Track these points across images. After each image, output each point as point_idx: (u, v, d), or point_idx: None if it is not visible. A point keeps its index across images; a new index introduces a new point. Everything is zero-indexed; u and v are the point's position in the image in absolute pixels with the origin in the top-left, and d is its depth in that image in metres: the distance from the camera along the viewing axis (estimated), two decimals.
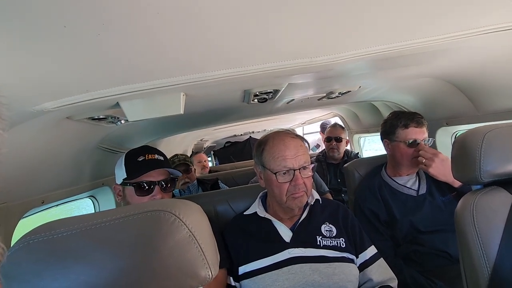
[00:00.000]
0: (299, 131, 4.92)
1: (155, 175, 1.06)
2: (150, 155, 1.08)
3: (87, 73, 0.64)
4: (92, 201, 1.74)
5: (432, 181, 1.44)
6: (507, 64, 1.12)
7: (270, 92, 1.08)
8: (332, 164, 2.67)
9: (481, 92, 1.37)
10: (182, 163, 2.20)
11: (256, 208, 1.14)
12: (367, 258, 1.06)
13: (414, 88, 1.65)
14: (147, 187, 1.04)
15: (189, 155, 2.80)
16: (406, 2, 0.59)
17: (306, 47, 0.70)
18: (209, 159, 5.38)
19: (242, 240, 1.08)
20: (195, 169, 2.39)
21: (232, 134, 4.82)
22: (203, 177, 2.65)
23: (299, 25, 0.60)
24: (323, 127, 3.21)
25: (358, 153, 2.95)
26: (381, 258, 1.08)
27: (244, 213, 1.18)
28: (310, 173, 1.03)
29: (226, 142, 5.26)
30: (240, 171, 2.88)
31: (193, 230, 0.41)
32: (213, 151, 5.42)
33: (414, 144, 1.41)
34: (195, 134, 3.56)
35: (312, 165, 1.04)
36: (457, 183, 1.35)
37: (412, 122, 1.42)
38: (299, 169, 1.00)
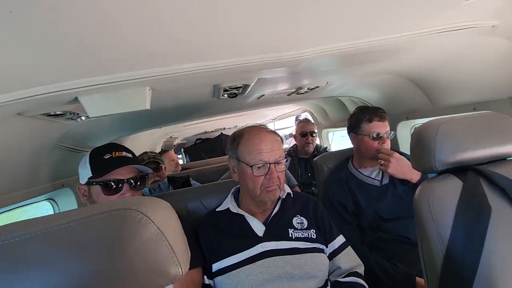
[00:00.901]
0: (270, 127, 4.98)
1: (123, 173, 1.01)
2: (117, 152, 1.02)
3: (40, 65, 0.59)
4: (51, 204, 1.61)
5: None
6: (457, 63, 1.21)
7: (240, 87, 1.08)
8: (303, 158, 2.73)
9: (436, 88, 1.48)
10: (152, 161, 2.13)
11: (229, 204, 1.14)
12: (336, 247, 1.10)
13: (377, 84, 1.74)
14: (115, 186, 0.99)
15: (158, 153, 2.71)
16: (367, 1, 0.61)
17: (275, 42, 0.70)
18: (180, 156, 5.25)
19: (214, 236, 1.08)
20: (165, 167, 2.33)
21: (202, 131, 4.74)
22: (173, 175, 2.58)
23: (267, 20, 0.60)
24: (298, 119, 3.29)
25: (326, 147, 3.05)
26: (349, 247, 1.14)
27: (217, 209, 1.17)
28: (284, 168, 1.06)
29: (197, 139, 5.16)
30: (212, 168, 2.85)
31: (161, 227, 0.40)
32: (183, 148, 5.29)
33: (378, 137, 1.49)
34: (164, 131, 3.45)
35: (286, 159, 1.06)
36: (414, 179, 1.43)
37: (376, 117, 1.49)
38: (274, 163, 1.01)
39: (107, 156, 1.00)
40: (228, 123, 3.99)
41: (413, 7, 0.69)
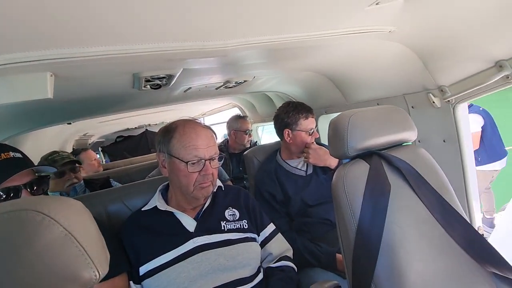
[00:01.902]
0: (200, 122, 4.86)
1: (17, 178, 0.83)
2: (3, 153, 0.83)
3: None
4: None
5: None
6: (363, 63, 1.39)
7: (164, 78, 1.01)
8: (234, 153, 2.75)
9: (348, 86, 1.67)
10: (69, 161, 1.84)
11: (156, 202, 1.07)
12: (267, 234, 1.15)
13: (301, 80, 1.86)
14: (12, 194, 0.81)
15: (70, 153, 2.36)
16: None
17: (198, 30, 0.68)
18: (97, 156, 4.69)
19: (141, 238, 1.00)
20: (82, 168, 2.05)
21: (124, 128, 4.32)
22: (90, 176, 2.29)
23: (190, 5, 0.57)
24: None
25: (256, 141, 3.14)
26: (279, 233, 1.20)
27: (142, 209, 1.09)
28: (218, 164, 1.04)
29: (118, 137, 4.66)
30: (137, 167, 2.63)
31: (70, 228, 0.36)
32: (101, 147, 4.72)
33: (311, 132, 1.63)
34: (76, 127, 3.02)
35: (221, 156, 1.04)
36: (333, 165, 1.62)
37: (310, 114, 1.64)
38: (209, 159, 0.99)
39: None
40: (154, 118, 3.73)
41: (326, 9, 0.76)
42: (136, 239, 1.00)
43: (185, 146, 0.97)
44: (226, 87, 1.64)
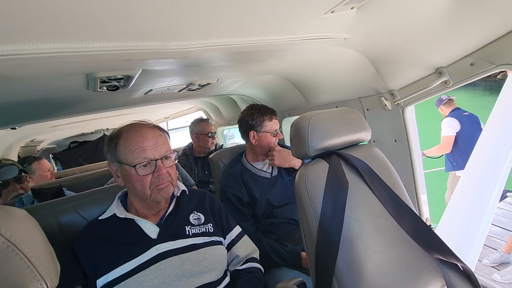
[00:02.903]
0: (163, 127, 4.68)
1: None
2: None
3: None
4: None
5: None
6: (322, 68, 1.46)
7: (121, 79, 0.96)
8: (199, 157, 2.71)
9: (309, 89, 1.74)
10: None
11: (115, 209, 1.01)
12: (233, 237, 1.15)
13: (264, 84, 1.90)
14: None
15: (16, 161, 2.14)
16: (250, 2, 0.66)
17: (158, 30, 0.66)
18: (51, 166, 4.30)
19: (98, 248, 0.94)
20: (28, 176, 1.86)
21: (79, 133, 4.02)
22: (39, 186, 2.09)
23: (148, 5, 0.56)
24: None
25: (222, 144, 3.13)
26: (245, 235, 1.20)
27: (99, 218, 1.02)
28: (173, 162, 1.01)
29: (72, 142, 4.31)
30: (93, 175, 2.45)
31: (13, 239, 0.33)
32: (52, 154, 4.32)
33: (275, 133, 1.67)
34: (21, 133, 2.74)
35: (174, 153, 1.01)
36: (297, 166, 1.67)
37: (274, 115, 1.68)
38: (161, 158, 0.95)
39: None
40: (113, 122, 3.52)
41: (285, 14, 0.79)
42: (92, 250, 0.93)
43: (131, 150, 0.93)
44: (189, 90, 1.62)
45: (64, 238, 1.04)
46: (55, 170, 4.09)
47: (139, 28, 0.63)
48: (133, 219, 1.00)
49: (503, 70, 0.98)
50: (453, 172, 3.42)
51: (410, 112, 1.35)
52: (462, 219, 2.10)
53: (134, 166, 0.91)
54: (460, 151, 3.25)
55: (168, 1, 0.55)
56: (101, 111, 2.02)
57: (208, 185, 2.63)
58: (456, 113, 3.32)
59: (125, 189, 1.08)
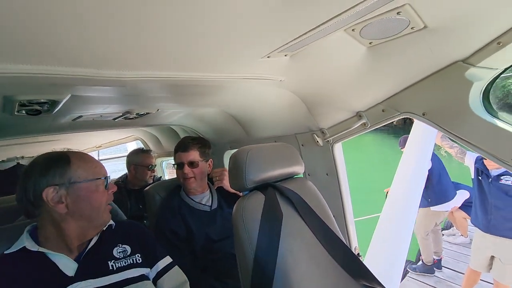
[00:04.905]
0: (94, 156, 4.24)
1: None
2: None
3: None
4: None
5: (221, 196, 1.70)
6: (261, 105, 1.56)
7: (45, 103, 0.88)
8: (133, 190, 2.50)
9: (249, 123, 1.82)
10: None
11: (24, 242, 0.87)
12: (160, 269, 1.07)
13: (206, 116, 1.92)
14: None
15: None
16: (191, 39, 0.69)
17: (92, 56, 0.64)
18: None
19: None
20: None
21: None
22: None
23: (82, 29, 0.54)
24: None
25: (161, 177, 2.96)
26: (175, 267, 1.12)
27: (5, 252, 0.87)
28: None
29: None
30: (1, 208, 2.04)
31: None
32: None
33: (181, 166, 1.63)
34: None
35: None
36: None
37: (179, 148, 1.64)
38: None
39: None
40: (30, 150, 3.06)
41: (226, 54, 0.85)
42: None
43: (90, 167, 0.95)
44: (126, 118, 1.54)
45: None
46: None
47: (68, 53, 0.59)
48: (46, 254, 0.87)
49: (406, 117, 1.18)
50: (433, 207, 3.46)
51: (339, 149, 1.50)
52: (385, 247, 2.33)
53: (97, 179, 0.93)
54: (434, 187, 3.37)
55: (103, 29, 0.55)
56: (16, 137, 1.76)
57: (142, 220, 2.41)
58: None
59: (34, 223, 0.94)
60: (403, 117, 1.19)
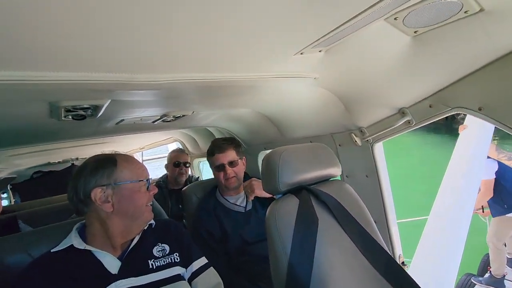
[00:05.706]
0: (138, 157, 4.51)
1: None
2: None
3: None
4: None
5: (256, 198, 1.68)
6: (296, 104, 1.51)
7: (88, 108, 0.93)
8: (173, 190, 2.60)
9: (284, 124, 1.78)
10: None
11: (72, 240, 0.93)
12: (194, 270, 1.08)
13: (241, 117, 1.92)
14: None
15: None
16: (222, 40, 0.68)
17: (127, 62, 0.66)
18: (4, 196, 3.92)
19: (47, 285, 0.85)
20: None
21: (44, 162, 3.76)
22: None
23: (116, 36, 0.56)
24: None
25: (198, 177, 3.05)
26: (210, 268, 1.13)
27: (52, 250, 0.93)
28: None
29: (35, 172, 4.00)
30: (55, 208, 2.26)
31: None
32: (11, 184, 3.96)
33: (222, 167, 1.63)
34: None
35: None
36: None
37: (218, 150, 1.65)
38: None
39: None
40: (82, 152, 3.35)
41: (258, 53, 0.82)
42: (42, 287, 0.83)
43: (134, 168, 0.99)
44: (163, 121, 1.60)
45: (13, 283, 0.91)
46: (12, 203, 3.74)
47: (105, 59, 0.62)
48: (92, 252, 0.92)
49: (458, 112, 1.06)
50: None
51: (379, 149, 1.40)
52: (433, 256, 2.12)
53: (139, 181, 0.98)
54: (508, 192, 3.06)
55: (135, 34, 0.56)
56: (68, 140, 1.93)
57: (182, 219, 2.50)
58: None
59: (83, 221, 1.00)
60: (455, 112, 1.07)
